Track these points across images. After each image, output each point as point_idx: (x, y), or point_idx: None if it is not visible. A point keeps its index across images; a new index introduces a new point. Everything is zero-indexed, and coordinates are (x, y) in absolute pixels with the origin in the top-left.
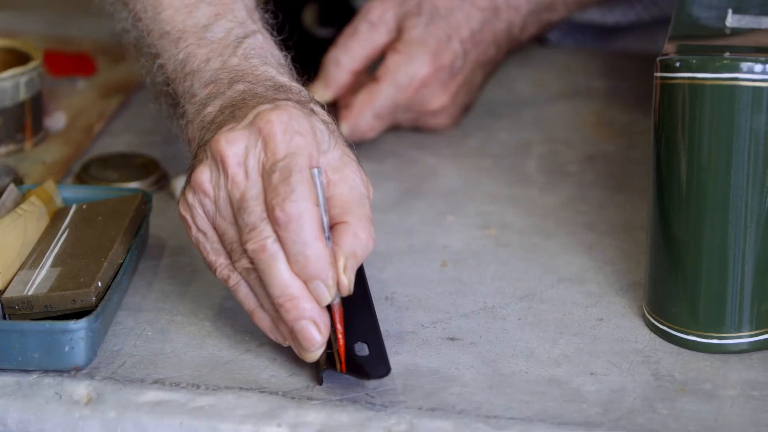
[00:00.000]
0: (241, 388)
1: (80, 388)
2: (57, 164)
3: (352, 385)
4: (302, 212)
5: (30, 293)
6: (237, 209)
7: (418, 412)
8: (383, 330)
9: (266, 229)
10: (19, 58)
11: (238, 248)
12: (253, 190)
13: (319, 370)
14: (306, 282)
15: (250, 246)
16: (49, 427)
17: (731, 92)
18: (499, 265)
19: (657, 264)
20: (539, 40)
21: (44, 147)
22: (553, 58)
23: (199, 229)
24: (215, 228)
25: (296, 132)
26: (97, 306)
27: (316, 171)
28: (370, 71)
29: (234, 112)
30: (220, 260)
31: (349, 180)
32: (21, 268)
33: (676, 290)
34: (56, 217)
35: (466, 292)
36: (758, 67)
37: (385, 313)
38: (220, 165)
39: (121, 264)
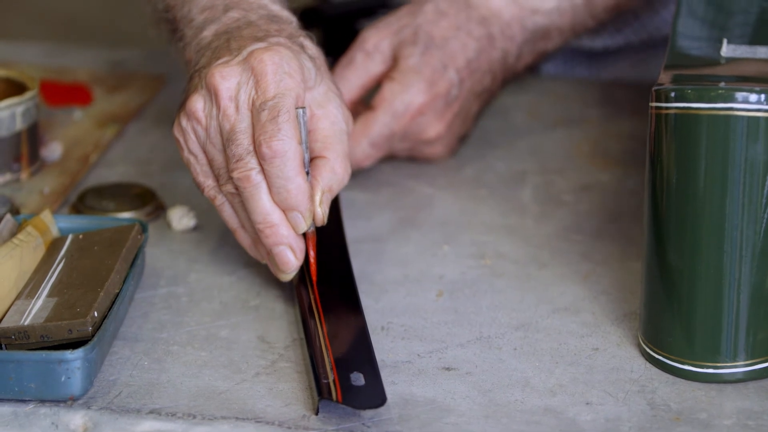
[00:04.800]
0: (237, 418)
1: (76, 418)
2: (53, 194)
3: (348, 415)
4: (287, 150)
5: (26, 323)
6: (226, 140)
7: None
8: (379, 360)
9: (252, 161)
10: (15, 87)
11: (224, 174)
12: (242, 123)
13: (316, 401)
14: (285, 211)
15: (236, 175)
16: None
17: (726, 122)
18: (495, 294)
19: (652, 293)
20: (533, 69)
21: (40, 177)
22: (548, 87)
23: (190, 152)
24: (205, 153)
25: (286, 73)
26: (93, 336)
27: (301, 111)
28: (366, 101)
29: (229, 41)
30: (207, 182)
31: (331, 115)
32: (17, 297)
33: (672, 320)
34: (52, 247)
35: (462, 322)
36: (753, 97)
37: (380, 343)
38: (214, 97)
39: (118, 294)
